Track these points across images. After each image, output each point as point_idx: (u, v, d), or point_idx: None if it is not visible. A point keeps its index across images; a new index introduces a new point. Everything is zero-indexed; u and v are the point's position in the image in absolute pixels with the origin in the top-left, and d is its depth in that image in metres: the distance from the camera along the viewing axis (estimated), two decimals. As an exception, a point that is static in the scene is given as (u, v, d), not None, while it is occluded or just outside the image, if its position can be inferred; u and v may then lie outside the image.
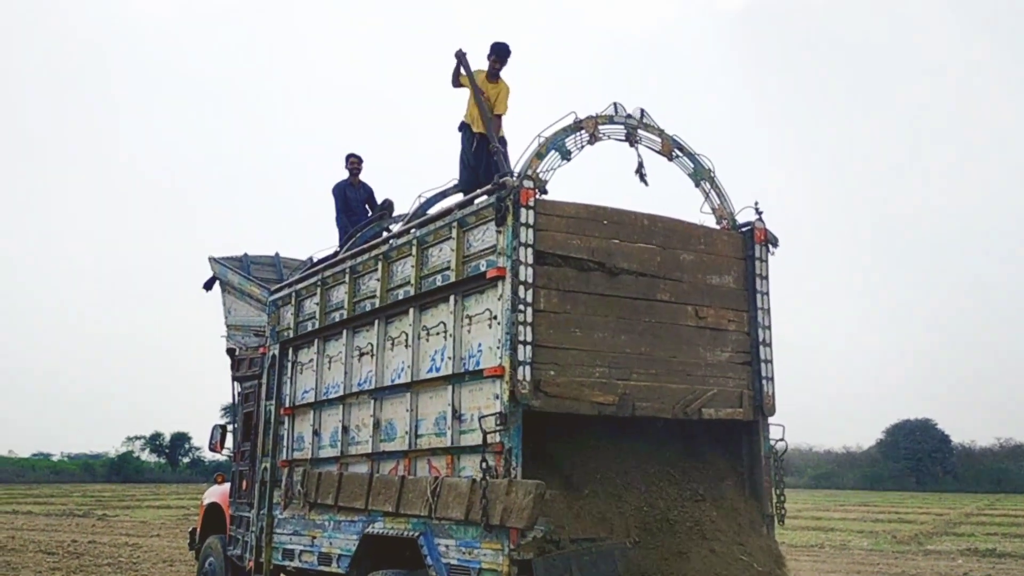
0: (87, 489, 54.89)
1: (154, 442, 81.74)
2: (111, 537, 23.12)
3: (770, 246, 7.52)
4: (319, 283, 8.99)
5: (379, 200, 10.70)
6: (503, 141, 8.64)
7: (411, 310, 7.42)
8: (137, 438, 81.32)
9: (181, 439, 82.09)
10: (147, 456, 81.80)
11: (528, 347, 6.27)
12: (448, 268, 7.03)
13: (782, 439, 7.28)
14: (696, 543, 6.39)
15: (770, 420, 7.31)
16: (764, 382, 7.26)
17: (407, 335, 7.45)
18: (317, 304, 9.02)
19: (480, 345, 6.61)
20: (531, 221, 6.40)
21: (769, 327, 7.34)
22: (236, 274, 11.63)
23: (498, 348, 6.34)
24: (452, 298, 6.91)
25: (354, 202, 10.60)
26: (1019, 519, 31.00)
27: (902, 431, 70.32)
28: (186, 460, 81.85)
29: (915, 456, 67.87)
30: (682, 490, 6.94)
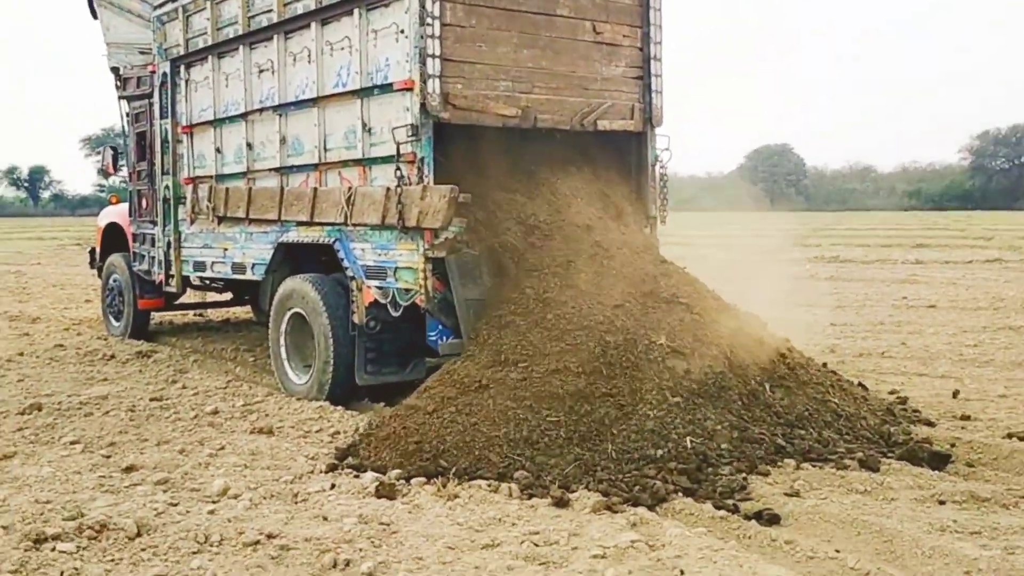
0: (-56, 225, 53.07)
1: (11, 175, 78.59)
2: (-10, 267, 22.90)
3: (665, -39, 7.76)
4: (209, -3, 8.78)
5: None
6: None
7: (312, 24, 7.45)
8: (-8, 172, 78.02)
9: (40, 172, 79.10)
10: (4, 191, 78.94)
11: (436, 61, 6.53)
12: (351, -20, 7.04)
13: (667, 148, 7.90)
14: (585, 238, 7.03)
15: (657, 131, 7.87)
16: (654, 95, 7.75)
17: (310, 50, 7.52)
18: (208, 20, 8.83)
19: (388, 59, 6.80)
20: (436, -68, 6.45)
21: (660, 42, 7.73)
22: (112, -12, 11.09)
23: (407, 62, 6.56)
24: (356, 12, 6.98)
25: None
26: (860, 232, 33.84)
27: (761, 156, 73.70)
28: (47, 194, 79.36)
29: (772, 179, 71.65)
30: (576, 194, 7.53)
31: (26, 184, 78.68)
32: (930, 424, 6.43)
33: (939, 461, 5.47)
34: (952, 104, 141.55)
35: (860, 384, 6.93)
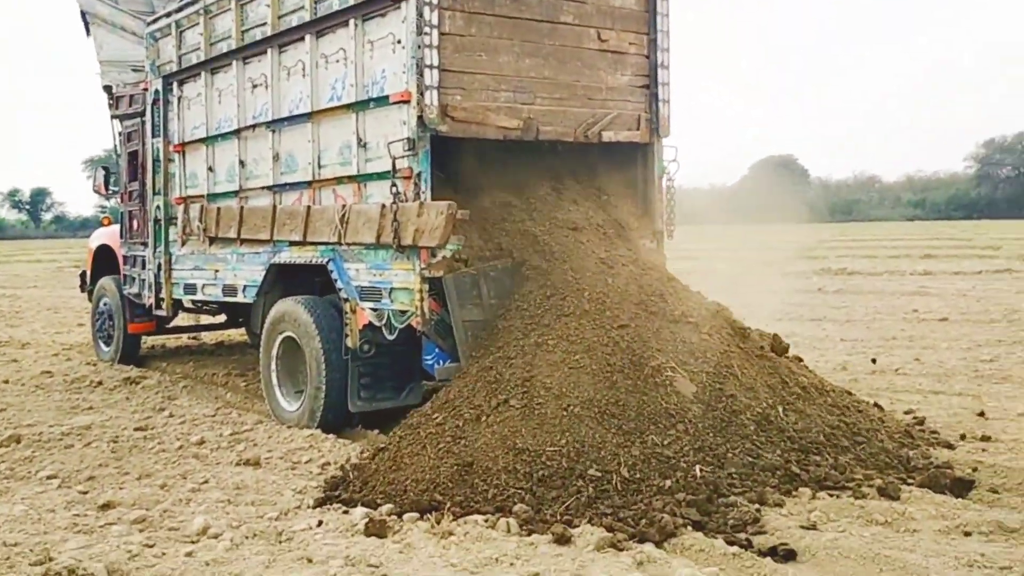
0: (-53, 249, 52.92)
1: (13, 198, 78.78)
2: (-13, 289, 22.68)
3: (671, -34, 7.49)
4: (202, 11, 8.54)
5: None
6: None
7: (307, 37, 7.21)
8: (-6, 195, 78.32)
9: (41, 194, 79.30)
10: (6, 213, 79.10)
11: (434, 71, 6.26)
12: (345, -10, 6.80)
13: (675, 160, 7.61)
14: (589, 255, 6.72)
15: (664, 142, 7.59)
16: (661, 104, 7.46)
17: (304, 63, 7.28)
18: (201, 35, 8.61)
19: (384, 71, 6.55)
20: (433, -62, 6.19)
21: (668, 50, 7.45)
22: (104, 4, 10.89)
23: (403, 73, 6.30)
24: (352, 22, 6.74)
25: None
26: (866, 243, 33.54)
27: (766, 167, 73.37)
28: (49, 216, 79.52)
29: (775, 191, 71.34)
30: (579, 209, 7.24)
31: (28, 206, 78.79)
32: (950, 446, 6.12)
33: (962, 488, 5.16)
34: (957, 112, 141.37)
35: (876, 404, 6.62)
